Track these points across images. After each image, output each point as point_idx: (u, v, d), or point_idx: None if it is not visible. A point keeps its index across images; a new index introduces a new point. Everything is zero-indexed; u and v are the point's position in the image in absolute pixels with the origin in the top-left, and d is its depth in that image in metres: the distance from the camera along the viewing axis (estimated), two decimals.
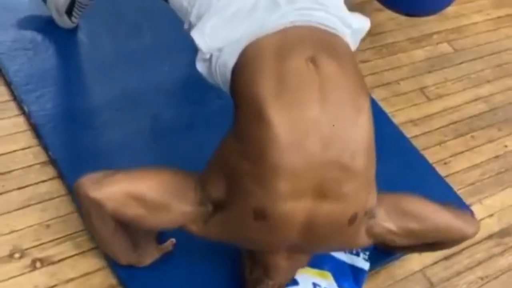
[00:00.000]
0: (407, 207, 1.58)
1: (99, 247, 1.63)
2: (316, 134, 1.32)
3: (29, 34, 2.04)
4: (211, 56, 1.47)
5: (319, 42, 1.43)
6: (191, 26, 1.51)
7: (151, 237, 1.62)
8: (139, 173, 1.46)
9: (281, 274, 1.56)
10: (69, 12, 2.02)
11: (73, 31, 2.10)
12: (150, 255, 1.61)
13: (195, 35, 1.46)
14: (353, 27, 1.54)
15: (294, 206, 1.34)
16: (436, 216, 1.61)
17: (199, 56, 1.50)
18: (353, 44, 1.56)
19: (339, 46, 1.47)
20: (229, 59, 1.43)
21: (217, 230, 1.45)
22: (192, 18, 1.51)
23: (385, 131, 1.94)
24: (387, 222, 1.53)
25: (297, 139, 1.32)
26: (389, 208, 1.54)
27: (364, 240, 1.54)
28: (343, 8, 1.56)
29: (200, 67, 1.52)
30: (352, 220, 1.41)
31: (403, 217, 1.56)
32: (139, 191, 1.41)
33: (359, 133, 1.38)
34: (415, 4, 2.35)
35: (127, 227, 1.51)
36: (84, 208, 1.47)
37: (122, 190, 1.41)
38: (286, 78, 1.35)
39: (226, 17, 1.45)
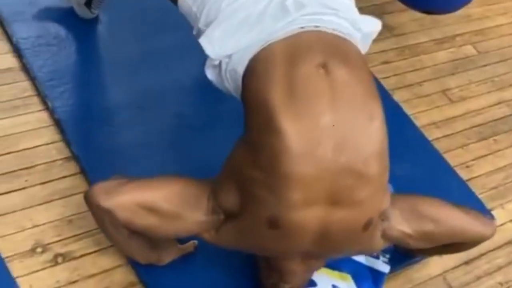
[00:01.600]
0: (422, 209, 1.56)
1: None
2: (328, 141, 1.31)
3: (53, 29, 2.05)
4: (220, 62, 1.47)
5: (330, 48, 1.41)
6: (199, 32, 1.50)
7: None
8: (151, 182, 1.45)
9: (297, 278, 1.55)
10: (88, 4, 2.04)
11: (97, 27, 2.12)
12: (169, 255, 1.62)
13: (204, 42, 1.45)
14: (363, 30, 1.52)
15: (307, 214, 1.33)
16: (452, 218, 1.59)
17: (208, 63, 1.50)
18: (364, 48, 1.55)
19: (350, 51, 1.45)
20: (239, 66, 1.43)
21: (230, 238, 1.45)
22: (201, 25, 1.50)
23: (406, 134, 1.94)
24: (401, 225, 1.52)
25: (309, 147, 1.30)
26: (403, 210, 1.53)
27: (380, 243, 1.54)
28: (354, 10, 1.54)
29: (210, 74, 1.52)
30: (367, 225, 1.40)
31: (418, 219, 1.54)
32: (151, 201, 1.41)
33: (371, 139, 1.36)
34: (433, 1, 2.34)
35: None
36: (96, 216, 1.48)
37: (133, 199, 1.41)
38: (296, 85, 1.34)
39: (234, 24, 1.43)
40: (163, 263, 1.61)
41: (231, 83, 1.49)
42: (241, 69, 1.43)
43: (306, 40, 1.41)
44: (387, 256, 1.80)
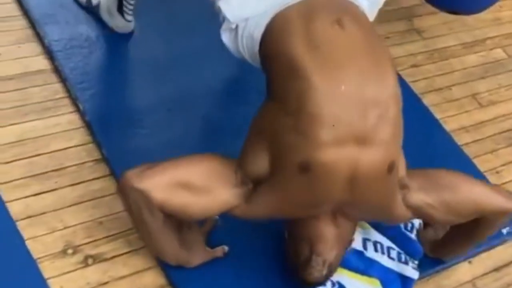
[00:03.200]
0: (440, 179, 1.61)
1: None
2: (350, 81, 1.41)
3: (84, 32, 2.07)
4: (237, 26, 1.54)
5: (341, 8, 1.53)
6: None
7: (200, 238, 1.64)
8: (180, 161, 1.49)
9: (328, 246, 1.56)
10: (120, 9, 2.05)
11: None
12: (198, 257, 1.62)
13: (222, 4, 1.53)
14: None
15: (336, 154, 1.40)
16: (471, 186, 1.64)
17: (224, 26, 1.57)
18: (371, 16, 1.65)
19: (359, 13, 1.57)
20: (255, 31, 1.53)
21: (261, 205, 1.49)
22: None
23: (435, 138, 1.93)
24: (421, 193, 1.57)
25: (333, 86, 1.40)
26: (422, 181, 1.58)
27: (403, 210, 1.57)
28: None
29: (226, 38, 1.60)
30: (391, 167, 1.46)
31: (436, 188, 1.58)
32: (184, 178, 1.45)
33: (388, 82, 1.47)
34: (459, 1, 2.32)
35: (175, 224, 1.54)
36: (131, 203, 1.48)
37: (167, 178, 1.44)
38: (315, 36, 1.45)
39: None
40: (191, 265, 1.62)
41: (246, 50, 1.59)
42: (258, 34, 1.53)
43: (320, 1, 1.52)
44: (416, 262, 1.80)
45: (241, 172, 1.48)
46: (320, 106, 1.39)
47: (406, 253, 1.81)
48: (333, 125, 1.39)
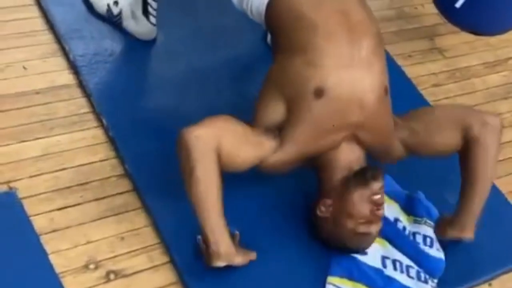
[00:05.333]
0: (420, 110, 1.89)
1: (174, 262, 1.67)
2: (345, 25, 1.70)
3: (109, 47, 2.09)
4: None
5: None
6: None
7: (235, 241, 1.66)
8: (219, 116, 1.68)
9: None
10: (145, 11, 2.07)
11: (152, 45, 2.15)
12: (241, 256, 1.63)
13: None
14: None
15: (343, 76, 1.67)
16: (449, 107, 2.00)
17: None
18: None
19: None
20: None
21: (291, 144, 1.68)
22: None
23: (456, 159, 1.92)
24: (407, 124, 1.81)
25: (332, 24, 1.69)
26: (406, 117, 1.83)
27: (398, 145, 1.79)
28: None
29: None
30: (386, 90, 1.75)
31: (418, 115, 1.84)
32: (229, 126, 1.66)
33: (375, 28, 1.78)
34: (483, 22, 2.32)
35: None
36: (187, 156, 1.57)
37: (217, 125, 1.64)
38: None
39: None
40: (236, 263, 1.62)
41: (252, 8, 1.82)
42: None
43: None
44: (435, 281, 1.81)
45: (261, 125, 1.70)
46: (323, 41, 1.68)
47: (426, 271, 1.81)
48: (336, 54, 1.67)
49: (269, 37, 2.27)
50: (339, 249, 1.75)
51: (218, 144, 1.58)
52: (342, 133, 1.71)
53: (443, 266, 1.84)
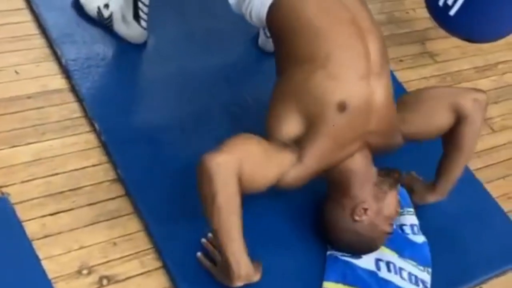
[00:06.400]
0: (411, 97, 1.92)
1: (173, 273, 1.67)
2: (357, 31, 1.69)
3: (101, 51, 2.09)
4: None
5: None
6: None
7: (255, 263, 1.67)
8: (238, 138, 1.64)
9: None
10: (136, 16, 2.07)
11: (144, 50, 2.15)
12: (258, 273, 1.64)
13: None
14: None
15: (363, 87, 1.67)
16: (438, 88, 2.07)
17: None
18: None
19: None
20: None
21: (312, 157, 1.66)
22: None
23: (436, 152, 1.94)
24: (401, 114, 1.81)
25: (347, 34, 1.69)
26: (399, 108, 1.83)
27: (398, 138, 1.81)
28: None
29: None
30: (392, 93, 1.77)
31: (410, 104, 1.85)
32: (249, 151, 1.61)
33: (381, 37, 1.78)
34: (477, 30, 2.33)
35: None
36: (209, 183, 1.53)
37: (238, 149, 1.59)
38: (324, 4, 1.73)
39: None
40: (255, 280, 1.63)
41: (252, 14, 1.80)
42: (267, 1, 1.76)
43: None
44: (427, 285, 1.82)
45: (279, 141, 1.66)
46: (341, 52, 1.67)
47: (421, 262, 1.85)
48: (354, 65, 1.67)
49: (260, 40, 2.29)
50: (351, 251, 1.79)
51: (239, 169, 1.55)
52: (359, 142, 1.73)
53: (428, 248, 1.89)
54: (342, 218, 1.73)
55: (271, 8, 1.76)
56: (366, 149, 1.76)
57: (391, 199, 1.76)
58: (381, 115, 1.72)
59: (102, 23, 2.12)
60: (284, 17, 1.75)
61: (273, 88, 1.76)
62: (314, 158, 1.67)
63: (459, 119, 1.81)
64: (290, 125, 1.68)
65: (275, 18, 1.77)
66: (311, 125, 1.66)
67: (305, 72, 1.68)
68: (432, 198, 1.97)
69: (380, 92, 1.71)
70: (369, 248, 1.79)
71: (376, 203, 1.73)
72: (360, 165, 1.74)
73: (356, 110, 1.66)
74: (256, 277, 1.63)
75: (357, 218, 1.71)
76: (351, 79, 1.67)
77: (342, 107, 1.64)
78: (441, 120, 1.82)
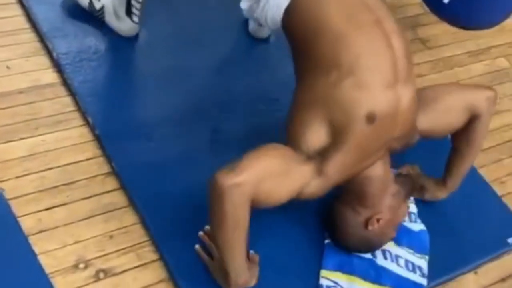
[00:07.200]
0: (427, 97, 1.80)
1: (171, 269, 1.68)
2: (383, 37, 1.61)
3: (93, 45, 2.08)
4: None
5: None
6: None
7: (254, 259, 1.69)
8: (257, 154, 1.56)
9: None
10: (128, 12, 2.06)
11: (136, 43, 2.14)
12: (254, 277, 1.66)
13: None
14: None
15: (391, 96, 1.60)
16: (455, 87, 1.97)
17: None
18: None
19: None
20: (282, 0, 1.68)
21: (336, 169, 1.60)
22: None
23: (440, 149, 1.94)
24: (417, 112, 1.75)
25: (374, 41, 1.61)
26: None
27: (415, 136, 1.76)
28: None
29: (245, 4, 1.81)
30: (416, 98, 1.70)
31: (426, 103, 1.77)
32: (266, 168, 1.54)
33: (405, 38, 1.70)
34: (471, 17, 2.33)
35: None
36: (225, 202, 1.48)
37: (254, 170, 1.51)
38: (345, 4, 1.65)
39: None
40: (251, 284, 1.64)
41: (268, 19, 1.74)
42: (284, 2, 1.68)
43: None
44: (424, 271, 1.83)
45: (302, 150, 1.59)
46: (368, 60, 1.59)
47: (413, 246, 1.87)
48: (382, 74, 1.60)
49: (250, 26, 2.28)
50: (353, 251, 1.80)
51: (254, 192, 1.49)
52: (382, 150, 1.70)
53: (428, 236, 1.91)
54: (354, 224, 1.73)
55: (288, 10, 1.69)
56: (386, 154, 1.74)
57: (403, 208, 1.78)
58: (406, 120, 1.67)
59: (93, 15, 2.11)
60: (303, 20, 1.67)
61: (295, 94, 1.68)
62: (337, 170, 1.61)
63: (473, 118, 1.80)
64: (315, 135, 1.60)
65: (292, 21, 1.69)
66: (337, 135, 1.59)
67: (331, 80, 1.59)
68: (443, 194, 1.98)
69: (406, 97, 1.64)
70: (371, 249, 1.81)
71: (390, 214, 1.74)
72: (379, 172, 1.71)
73: (384, 120, 1.60)
74: (252, 282, 1.64)
75: (370, 228, 1.72)
76: (378, 87, 1.59)
77: (370, 119, 1.58)
78: (456, 119, 1.81)
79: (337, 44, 1.60)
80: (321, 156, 1.59)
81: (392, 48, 1.62)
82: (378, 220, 1.71)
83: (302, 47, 1.68)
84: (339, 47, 1.60)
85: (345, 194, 1.74)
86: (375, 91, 1.59)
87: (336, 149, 1.59)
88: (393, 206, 1.74)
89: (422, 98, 1.76)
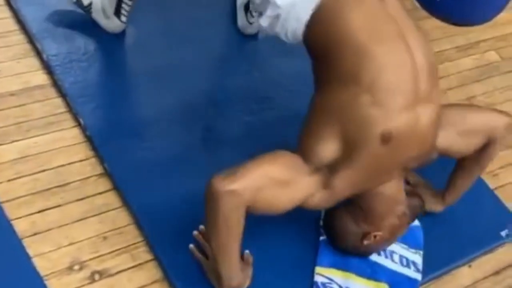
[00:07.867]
0: (450, 118, 1.74)
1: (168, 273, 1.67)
2: (404, 52, 1.56)
3: (82, 46, 2.08)
4: (279, 14, 1.64)
5: None
6: None
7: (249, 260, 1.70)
8: (259, 161, 1.54)
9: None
10: (117, 12, 2.06)
11: (125, 42, 2.14)
12: (248, 278, 1.66)
13: None
14: None
15: (409, 118, 1.55)
16: (476, 109, 1.94)
17: (268, 13, 1.66)
18: None
19: None
20: (302, 14, 1.61)
21: (343, 185, 1.57)
22: None
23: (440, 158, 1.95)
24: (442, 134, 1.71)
25: (395, 59, 1.55)
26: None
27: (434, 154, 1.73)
28: None
29: (265, 22, 1.69)
30: (439, 117, 1.66)
31: (448, 122, 1.72)
32: (267, 175, 1.51)
33: (430, 52, 1.65)
34: (463, 14, 2.33)
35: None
36: (220, 207, 1.47)
37: (253, 177, 1.49)
38: (367, 15, 1.59)
39: None
40: (245, 286, 1.65)
41: (289, 34, 1.67)
42: (305, 16, 1.61)
43: None
44: (419, 266, 1.83)
45: (312, 161, 1.56)
46: (390, 78, 1.54)
47: (407, 242, 1.87)
48: (403, 93, 1.55)
49: (239, 22, 2.28)
50: (349, 254, 1.81)
51: (253, 198, 1.48)
52: (398, 170, 1.66)
53: (421, 231, 1.91)
54: (351, 232, 1.73)
55: (309, 23, 1.63)
56: (402, 174, 1.70)
57: (404, 229, 1.77)
58: (425, 139, 1.63)
59: (80, 9, 2.10)
60: (325, 32, 1.61)
61: (312, 102, 1.64)
62: (344, 185, 1.58)
63: (489, 142, 1.79)
64: (327, 148, 1.56)
65: (314, 34, 1.63)
66: (349, 152, 1.55)
67: (349, 94, 1.54)
68: (440, 208, 1.96)
69: (426, 116, 1.59)
70: (364, 255, 1.81)
71: (389, 234, 1.73)
72: (391, 191, 1.69)
73: (400, 140, 1.55)
74: (245, 284, 1.65)
75: (365, 242, 1.72)
76: (397, 107, 1.54)
77: (386, 138, 1.53)
78: (475, 142, 1.79)
79: (358, 58, 1.55)
80: (330, 169, 1.56)
81: (415, 65, 1.57)
82: (375, 237, 1.70)
83: (323, 59, 1.63)
84: (360, 61, 1.54)
85: (352, 204, 1.71)
86: (393, 110, 1.53)
87: (346, 165, 1.55)
88: (394, 227, 1.73)
89: (445, 116, 1.70)
